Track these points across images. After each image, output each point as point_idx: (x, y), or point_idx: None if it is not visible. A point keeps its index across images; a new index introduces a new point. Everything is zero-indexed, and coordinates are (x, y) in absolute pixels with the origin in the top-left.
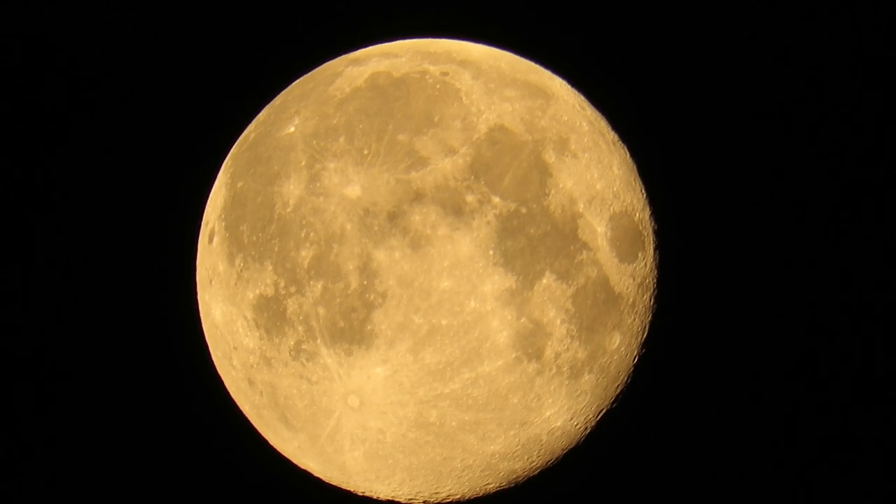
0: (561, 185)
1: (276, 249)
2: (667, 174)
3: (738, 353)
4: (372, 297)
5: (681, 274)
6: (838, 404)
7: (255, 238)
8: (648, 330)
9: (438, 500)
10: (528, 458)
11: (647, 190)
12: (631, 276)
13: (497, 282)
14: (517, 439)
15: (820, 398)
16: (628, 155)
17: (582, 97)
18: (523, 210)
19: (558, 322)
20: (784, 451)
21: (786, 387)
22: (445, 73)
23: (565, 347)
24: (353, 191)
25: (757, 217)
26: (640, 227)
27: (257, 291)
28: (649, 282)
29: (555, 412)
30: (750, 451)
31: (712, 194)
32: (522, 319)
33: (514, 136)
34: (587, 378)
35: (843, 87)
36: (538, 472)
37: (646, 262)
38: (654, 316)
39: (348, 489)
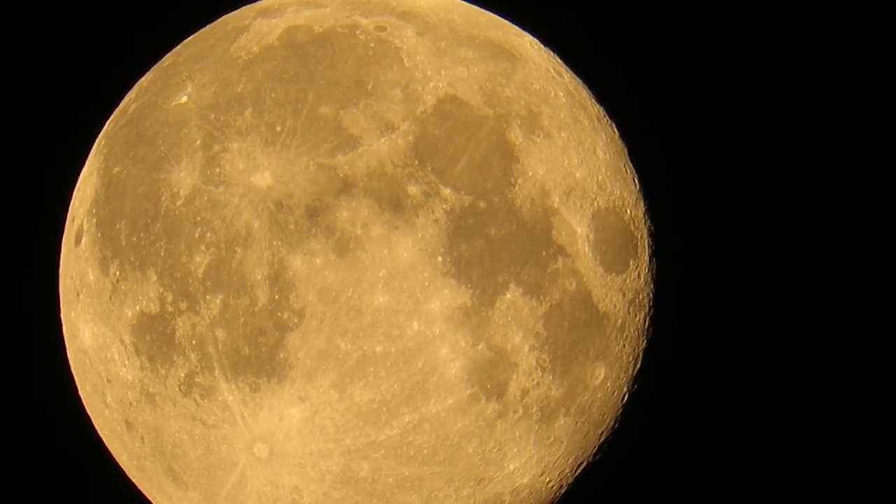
0: (530, 173)
1: (162, 254)
2: (666, 160)
3: (754, 390)
4: (286, 315)
5: (683, 288)
6: (872, 446)
7: (135, 239)
8: (642, 360)
9: None
10: None
11: (640, 180)
12: (620, 291)
13: (447, 297)
14: (472, 501)
15: (854, 445)
16: (617, 135)
17: (558, 60)
18: (481, 205)
19: (526, 349)
20: None
21: (814, 435)
22: (382, 28)
23: (535, 382)
24: (263, 179)
25: (777, 215)
26: (632, 228)
27: (138, 308)
28: (643, 298)
29: (520, 465)
30: None
31: (722, 186)
32: (480, 346)
33: (469, 110)
34: (563, 422)
35: (859, 59)
36: None
37: (639, 272)
38: (648, 342)
39: None
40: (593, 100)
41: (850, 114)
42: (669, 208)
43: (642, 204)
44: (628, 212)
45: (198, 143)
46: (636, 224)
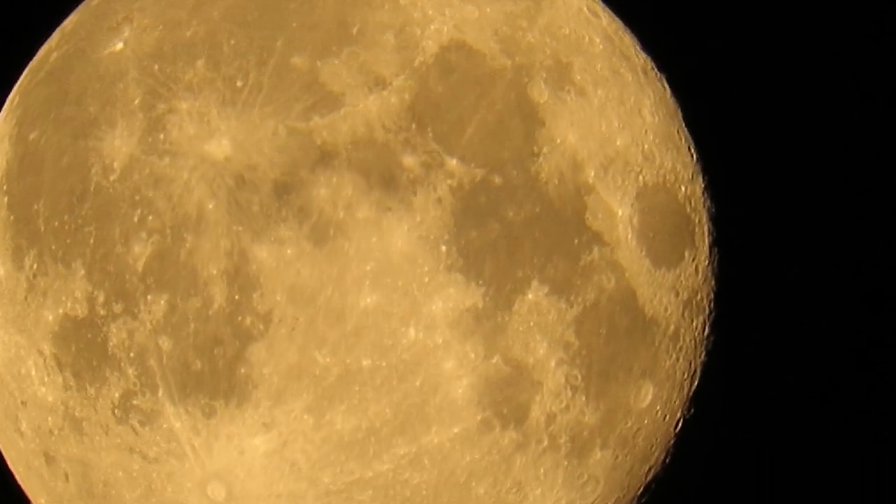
0: (558, 140)
1: (91, 243)
2: (730, 124)
3: (840, 415)
4: (248, 321)
5: (753, 286)
6: None
7: (56, 224)
8: (700, 377)
9: None
10: None
11: (698, 148)
12: (672, 290)
13: (453, 297)
14: None
15: None
16: (668, 92)
17: None
18: (496, 180)
19: (552, 364)
20: None
21: None
22: None
23: (563, 406)
24: (220, 147)
25: (872, 194)
26: (688, 209)
27: (61, 311)
28: (702, 298)
29: None
30: None
31: (801, 157)
32: (494, 359)
33: (481, 60)
34: (599, 456)
35: None
36: None
37: (696, 265)
38: (708, 354)
39: None
40: (638, 48)
41: None
42: (735, 184)
43: (700, 179)
44: (683, 189)
45: (137, 101)
46: (693, 204)
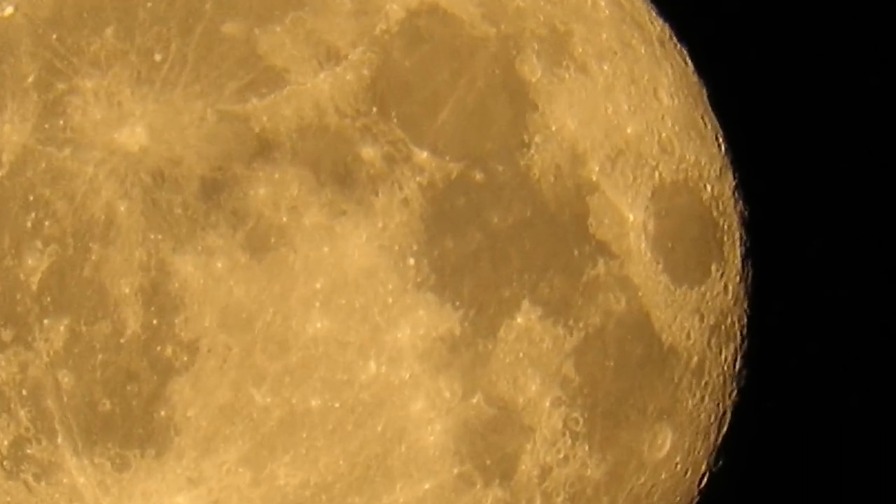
0: (555, 128)
1: None
2: (765, 109)
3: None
4: (170, 351)
5: (793, 308)
6: None
7: None
8: (730, 421)
9: None
10: None
11: (727, 138)
12: (695, 313)
13: (424, 322)
14: None
15: None
16: (691, 68)
17: None
18: (477, 176)
19: (547, 404)
20: None
21: None
22: None
23: (561, 456)
24: (134, 136)
25: None
26: (714, 213)
27: None
28: (732, 323)
29: None
30: None
31: (848, 150)
32: (475, 398)
33: (459, 28)
34: None
35: None
36: None
37: (725, 282)
38: (740, 393)
39: None
40: (653, 13)
41: None
42: (773, 181)
43: (730, 175)
44: (708, 188)
45: (30, 79)
46: (721, 206)
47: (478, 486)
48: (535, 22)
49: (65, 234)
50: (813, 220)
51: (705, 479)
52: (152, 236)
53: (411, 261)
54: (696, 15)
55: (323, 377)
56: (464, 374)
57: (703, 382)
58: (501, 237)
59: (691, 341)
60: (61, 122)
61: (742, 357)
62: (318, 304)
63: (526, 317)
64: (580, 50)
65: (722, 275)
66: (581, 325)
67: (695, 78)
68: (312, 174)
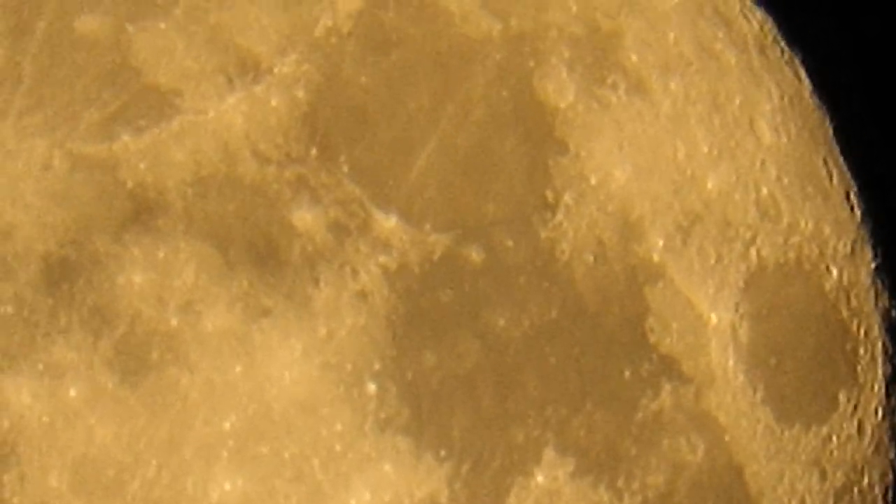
0: (594, 181)
1: None
2: None
3: None
4: None
5: None
6: None
7: None
8: None
9: None
10: None
11: (863, 196)
12: (814, 466)
13: (391, 481)
14: None
15: None
16: (808, 87)
17: None
18: (474, 256)
19: None
20: None
21: None
22: None
23: None
24: None
25: None
26: (845, 313)
27: None
28: (870, 484)
29: None
30: None
31: None
32: None
33: (446, 25)
34: None
35: None
36: None
37: (859, 421)
38: None
39: None
40: (750, 3)
41: None
42: None
43: (868, 252)
44: (834, 272)
45: None
46: (853, 303)
47: None
48: (563, 15)
49: None
50: None
51: None
52: None
53: (371, 387)
54: (817, 8)
55: None
56: None
57: None
58: (511, 351)
59: None
60: None
61: None
62: (226, 455)
63: (550, 473)
64: (634, 59)
65: (854, 408)
66: (636, 486)
67: (814, 102)
68: (218, 252)
